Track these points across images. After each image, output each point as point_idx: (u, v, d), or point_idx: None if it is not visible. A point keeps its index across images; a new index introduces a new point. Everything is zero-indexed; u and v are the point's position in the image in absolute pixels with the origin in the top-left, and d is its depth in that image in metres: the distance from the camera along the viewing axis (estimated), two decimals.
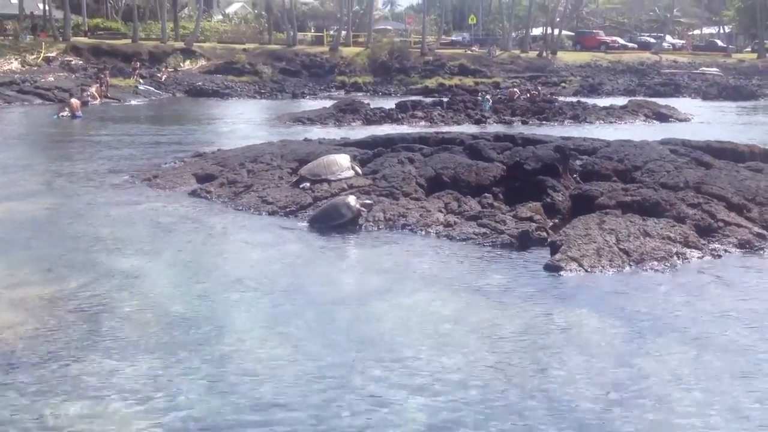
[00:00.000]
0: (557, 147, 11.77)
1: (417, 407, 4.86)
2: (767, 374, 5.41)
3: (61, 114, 25.98)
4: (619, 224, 8.86)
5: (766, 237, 9.01)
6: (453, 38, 63.61)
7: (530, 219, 9.64)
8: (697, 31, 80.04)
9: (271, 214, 10.61)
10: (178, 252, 8.66)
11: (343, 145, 14.07)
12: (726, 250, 8.64)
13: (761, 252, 8.68)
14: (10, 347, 5.79)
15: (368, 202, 10.19)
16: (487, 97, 30.40)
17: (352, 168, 11.68)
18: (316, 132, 20.90)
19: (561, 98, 33.99)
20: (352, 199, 10.01)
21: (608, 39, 64.64)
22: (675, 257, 8.27)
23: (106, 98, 33.70)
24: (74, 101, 26.95)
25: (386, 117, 25.77)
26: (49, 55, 42.69)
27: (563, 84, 47.25)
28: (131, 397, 4.97)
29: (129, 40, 49.14)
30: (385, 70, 49.73)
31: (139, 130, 22.66)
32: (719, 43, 68.87)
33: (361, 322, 6.43)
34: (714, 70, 54.10)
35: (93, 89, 32.41)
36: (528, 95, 32.78)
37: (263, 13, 64.54)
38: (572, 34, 69.58)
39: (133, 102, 34.40)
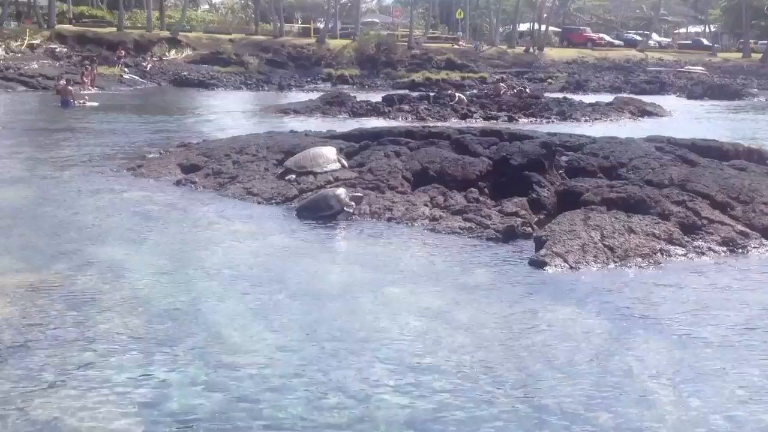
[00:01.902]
0: (543, 143, 11.77)
1: (399, 403, 4.85)
2: (750, 371, 5.44)
3: (79, 102, 25.77)
4: (604, 221, 8.88)
5: (749, 235, 9.05)
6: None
7: (516, 214, 9.65)
8: (683, 30, 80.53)
9: (257, 205, 10.57)
10: (162, 242, 8.60)
11: (330, 138, 14.02)
12: (710, 248, 8.67)
13: (744, 250, 8.72)
14: None
15: (358, 195, 10.17)
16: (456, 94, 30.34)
17: (339, 161, 11.65)
18: (302, 124, 20.84)
19: (547, 94, 34.05)
20: (341, 191, 9.99)
21: (595, 36, 64.93)
22: (659, 254, 8.30)
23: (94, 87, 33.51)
24: (70, 88, 26.53)
25: (373, 110, 25.73)
26: (34, 42, 42.36)
27: (549, 80, 47.40)
28: (114, 389, 4.93)
29: (114, 29, 48.88)
30: (372, 63, 49.69)
31: (123, 120, 22.51)
32: (705, 42, 69.30)
33: (344, 315, 6.41)
34: (699, 68, 54.46)
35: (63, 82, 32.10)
36: (514, 91, 32.83)
37: (250, 3, 64.25)
38: (559, 30, 69.79)
39: (110, 92, 34.06)
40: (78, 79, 32.44)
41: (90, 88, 32.06)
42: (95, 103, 26.52)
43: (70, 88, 26.46)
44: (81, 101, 26.08)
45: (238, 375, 5.17)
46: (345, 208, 9.81)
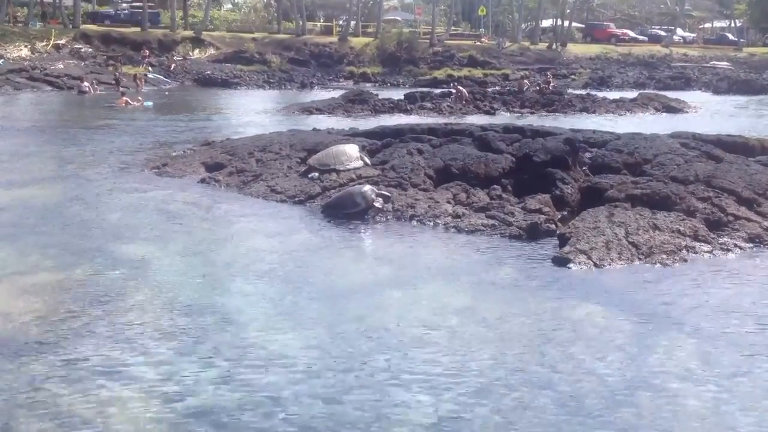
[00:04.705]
0: (567, 139, 11.72)
1: (424, 400, 4.86)
2: None
3: (126, 104, 26.10)
4: (629, 217, 8.83)
5: None
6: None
7: (539, 211, 9.62)
8: (708, 25, 79.61)
9: (280, 203, 10.62)
10: (187, 240, 8.67)
11: (352, 136, 14.05)
12: (736, 245, 8.59)
13: None
14: (19, 333, 5.82)
15: (386, 194, 10.13)
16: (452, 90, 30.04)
17: (361, 158, 11.67)
18: (325, 122, 20.88)
19: (571, 90, 33.87)
20: (368, 189, 9.99)
21: (619, 31, 64.31)
22: (684, 251, 8.23)
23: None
24: (126, 98, 26.68)
25: (395, 108, 25.75)
26: (59, 42, 42.71)
27: (573, 76, 47.11)
28: (140, 385, 4.99)
29: (138, 29, 49.12)
30: (394, 60, 49.61)
31: (147, 118, 22.67)
32: (730, 36, 68.46)
33: (368, 313, 6.42)
34: (725, 63, 53.84)
35: (87, 84, 32.21)
36: (538, 87, 32.69)
37: (272, 2, 64.40)
38: (582, 26, 69.26)
39: (134, 91, 34.28)
40: (104, 79, 32.63)
41: (141, 89, 32.69)
42: (150, 103, 27.03)
43: (126, 98, 26.64)
44: (136, 103, 26.47)
45: (262, 371, 5.21)
46: (374, 205, 9.82)
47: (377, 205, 9.83)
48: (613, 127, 16.49)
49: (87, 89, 31.31)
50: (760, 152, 12.71)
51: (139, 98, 27.65)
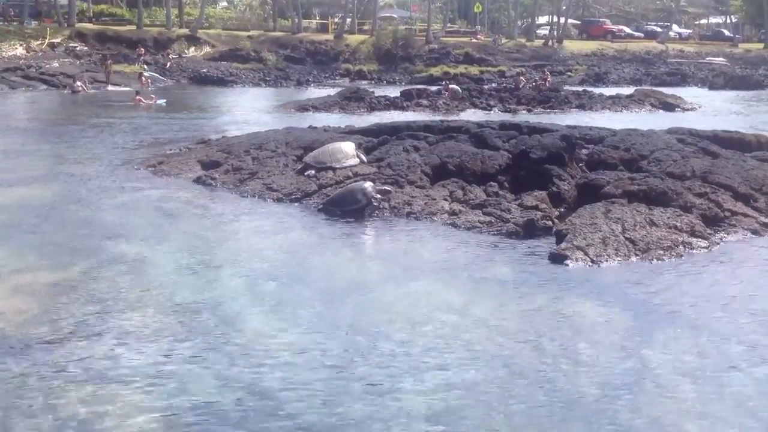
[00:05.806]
0: (563, 136, 11.71)
1: (420, 397, 4.85)
2: None
3: (139, 102, 26.08)
4: (625, 213, 8.82)
5: None
6: None
7: (536, 208, 9.61)
8: (703, 21, 79.74)
9: (276, 201, 10.61)
10: (183, 238, 8.65)
11: (348, 133, 14.02)
12: (732, 240, 8.59)
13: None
14: (17, 332, 5.80)
15: (387, 188, 10.16)
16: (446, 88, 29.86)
17: (357, 156, 11.65)
18: (321, 119, 20.85)
19: (567, 87, 33.88)
20: (368, 185, 10.00)
21: (615, 28, 64.37)
22: (681, 247, 8.23)
23: (113, 84, 33.89)
24: (138, 97, 26.66)
25: (391, 105, 25.75)
26: (54, 41, 42.64)
27: (569, 73, 47.13)
28: (136, 384, 4.97)
29: (134, 27, 49.05)
30: (390, 58, 49.57)
31: (142, 117, 22.64)
32: (726, 32, 68.58)
33: (365, 311, 6.42)
34: (721, 59, 53.94)
35: (79, 83, 32.16)
36: (534, 84, 32.70)
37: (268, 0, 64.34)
38: (578, 22, 69.29)
39: (129, 89, 34.20)
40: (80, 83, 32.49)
41: (147, 87, 32.72)
42: (163, 101, 27.08)
43: (139, 97, 26.66)
44: (149, 101, 26.47)
45: (259, 369, 5.19)
46: (372, 202, 9.82)
47: (374, 203, 9.84)
48: (610, 124, 16.49)
49: (79, 88, 31.28)
50: (756, 148, 12.72)
51: (152, 96, 27.71)
